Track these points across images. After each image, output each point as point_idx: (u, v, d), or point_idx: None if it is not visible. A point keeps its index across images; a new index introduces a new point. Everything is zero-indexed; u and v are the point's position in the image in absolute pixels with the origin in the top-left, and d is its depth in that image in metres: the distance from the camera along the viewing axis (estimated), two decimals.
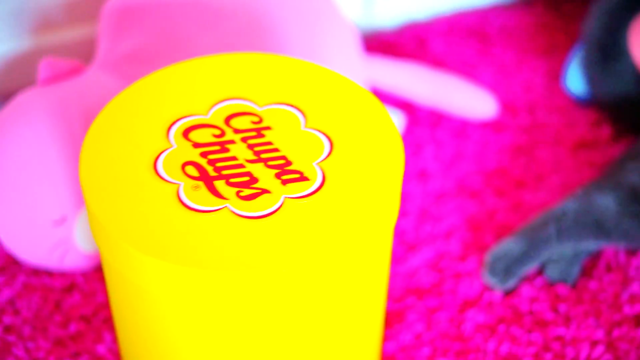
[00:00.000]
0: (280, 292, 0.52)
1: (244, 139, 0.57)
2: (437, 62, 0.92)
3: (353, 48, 0.80)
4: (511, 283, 0.72)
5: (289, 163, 0.55)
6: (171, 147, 0.56)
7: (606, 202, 0.73)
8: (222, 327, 0.54)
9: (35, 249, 0.71)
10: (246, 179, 0.54)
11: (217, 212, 0.52)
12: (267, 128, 0.57)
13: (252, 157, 0.56)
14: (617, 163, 0.77)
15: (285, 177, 0.54)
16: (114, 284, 0.57)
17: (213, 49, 0.74)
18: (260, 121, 0.58)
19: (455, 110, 0.86)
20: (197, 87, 0.59)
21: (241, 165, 0.55)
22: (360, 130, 0.57)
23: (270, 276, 0.51)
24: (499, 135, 0.85)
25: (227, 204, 0.53)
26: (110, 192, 0.53)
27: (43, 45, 0.84)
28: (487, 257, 0.73)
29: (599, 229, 0.73)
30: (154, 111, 0.58)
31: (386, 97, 0.87)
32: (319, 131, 0.57)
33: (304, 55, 0.76)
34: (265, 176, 0.54)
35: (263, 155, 0.56)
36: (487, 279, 0.72)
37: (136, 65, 0.74)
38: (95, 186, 0.54)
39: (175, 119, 0.58)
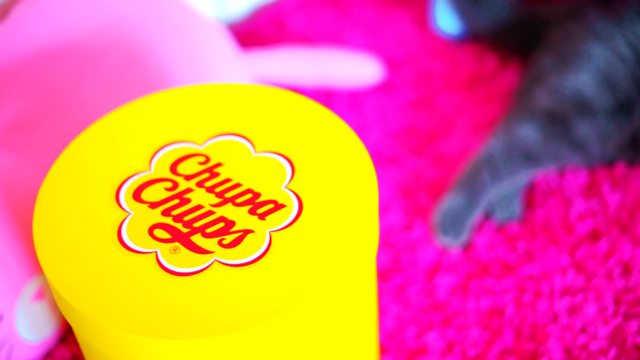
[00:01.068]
0: (289, 338, 0.49)
1: (199, 184, 0.53)
2: (301, 39, 0.90)
3: (231, 50, 0.77)
4: (464, 237, 0.72)
5: (257, 195, 0.52)
6: (129, 214, 0.52)
7: (528, 132, 0.74)
8: None
9: None
10: (222, 224, 0.51)
11: (207, 269, 0.49)
12: (218, 165, 0.54)
13: (216, 200, 0.52)
14: (521, 91, 0.78)
15: (260, 210, 0.51)
16: None
17: (98, 91, 0.69)
18: (208, 160, 0.54)
19: (342, 82, 0.84)
20: (130, 139, 0.55)
21: (210, 212, 0.52)
22: (314, 142, 0.54)
23: (282, 326, 0.48)
24: (393, 94, 0.84)
25: (214, 258, 0.49)
26: (81, 278, 0.49)
27: None
28: (434, 218, 0.72)
29: (529, 159, 0.73)
30: (95, 176, 0.53)
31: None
32: (273, 153, 0.54)
33: (190, 72, 0.73)
34: (239, 216, 0.51)
35: (227, 195, 0.52)
36: (441, 239, 0.72)
37: (22, 133, 0.68)
38: (61, 275, 0.49)
39: (119, 181, 0.53)
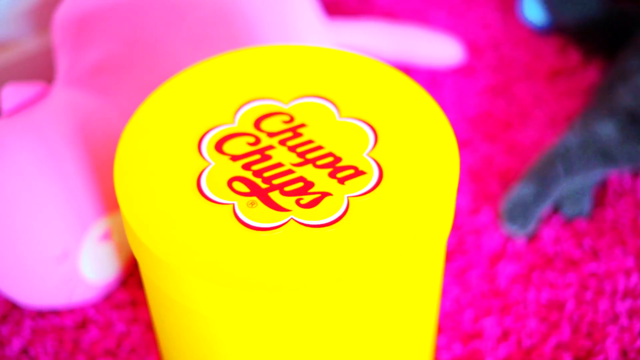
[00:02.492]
0: (354, 300, 0.49)
1: (282, 142, 0.53)
2: (386, 14, 0.89)
3: (317, 16, 0.77)
4: (531, 227, 0.71)
5: (338, 159, 0.52)
6: (209, 164, 0.52)
7: (607, 130, 0.73)
8: (290, 340, 0.51)
9: (39, 291, 0.67)
10: (301, 184, 0.51)
11: (283, 226, 0.49)
12: (302, 125, 0.54)
13: (297, 159, 0.52)
14: (604, 88, 0.77)
15: (340, 174, 0.51)
16: (171, 314, 0.54)
17: (184, 43, 0.70)
18: (292, 119, 0.54)
19: (422, 60, 0.84)
20: (215, 92, 0.56)
21: (290, 171, 0.52)
22: (399, 112, 0.54)
23: (349, 286, 0.48)
24: (471, 78, 0.83)
25: (291, 216, 0.50)
26: (160, 223, 0.49)
27: None
28: (503, 205, 0.72)
29: (605, 157, 0.72)
30: (178, 125, 0.54)
31: None
32: (357, 119, 0.54)
33: (275, 33, 0.73)
34: (319, 178, 0.51)
35: (308, 156, 0.52)
36: (508, 227, 0.71)
37: (106, 75, 0.69)
38: (140, 218, 0.49)
39: (202, 131, 0.54)
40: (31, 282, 0.66)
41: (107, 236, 0.66)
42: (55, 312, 0.69)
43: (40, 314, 0.69)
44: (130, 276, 0.70)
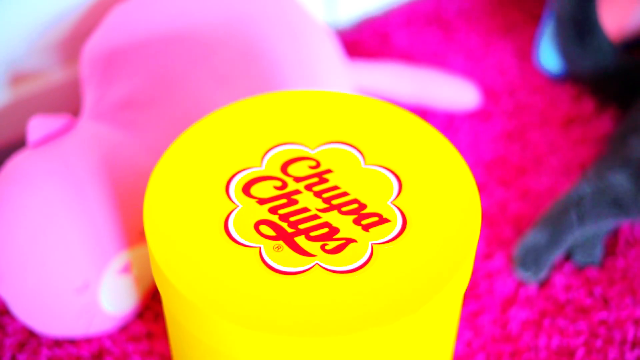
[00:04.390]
0: (375, 344, 0.50)
1: (308, 187, 0.54)
2: (404, 56, 0.91)
3: (338, 57, 0.78)
4: (543, 274, 0.72)
5: (363, 206, 0.53)
6: (237, 207, 0.53)
7: (620, 180, 0.74)
8: None
9: (58, 320, 0.68)
10: (326, 230, 0.52)
11: (308, 271, 0.50)
12: (328, 171, 0.55)
13: (323, 205, 0.54)
14: (617, 138, 0.78)
15: (364, 222, 0.53)
16: (192, 350, 0.55)
17: (209, 82, 0.71)
18: (318, 165, 0.56)
19: (440, 104, 0.85)
20: (244, 135, 0.57)
21: (316, 217, 0.53)
22: (423, 161, 0.56)
23: (371, 331, 0.49)
24: (488, 123, 0.85)
25: (316, 261, 0.51)
26: (187, 263, 0.51)
27: (19, 97, 0.79)
28: (516, 251, 0.73)
29: (618, 207, 0.74)
30: (207, 166, 0.55)
31: None
32: (382, 167, 0.55)
33: (298, 74, 0.74)
34: (344, 224, 0.53)
35: (334, 202, 0.54)
36: (520, 273, 0.72)
37: (132, 111, 0.71)
38: (168, 257, 0.51)
39: (230, 173, 0.55)
40: (50, 311, 0.67)
41: (127, 269, 0.67)
42: (72, 342, 0.70)
43: (58, 343, 0.70)
44: (147, 309, 0.71)
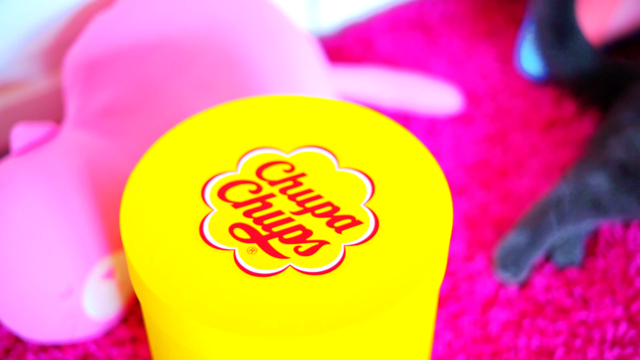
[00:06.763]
0: (348, 345, 0.50)
1: (282, 191, 0.55)
2: (387, 60, 0.92)
3: (319, 62, 0.79)
4: (523, 275, 0.73)
5: (336, 209, 0.54)
6: (212, 210, 0.54)
7: (599, 181, 0.75)
8: None
9: (43, 326, 0.68)
10: (299, 232, 0.53)
11: (281, 272, 0.51)
12: (302, 175, 0.56)
13: (297, 208, 0.54)
14: (597, 140, 0.79)
15: (337, 224, 0.53)
16: (170, 353, 0.55)
17: (190, 89, 0.72)
18: (293, 169, 0.56)
19: (422, 108, 0.86)
20: (219, 140, 0.58)
21: (289, 219, 0.54)
22: (396, 164, 0.56)
23: (344, 331, 0.50)
24: (470, 126, 0.86)
25: (289, 263, 0.52)
26: (163, 266, 0.51)
27: (2, 105, 0.80)
28: (496, 253, 0.74)
29: (597, 208, 0.74)
30: (183, 171, 0.56)
31: None
32: (355, 170, 0.56)
33: (279, 80, 0.75)
34: (317, 226, 0.53)
35: (308, 205, 0.54)
36: (500, 275, 0.73)
37: (114, 118, 0.71)
38: (143, 261, 0.52)
39: (206, 178, 0.56)
40: (35, 317, 0.68)
41: (110, 274, 0.68)
42: (57, 347, 0.70)
43: (43, 349, 0.70)
44: (131, 314, 0.72)
